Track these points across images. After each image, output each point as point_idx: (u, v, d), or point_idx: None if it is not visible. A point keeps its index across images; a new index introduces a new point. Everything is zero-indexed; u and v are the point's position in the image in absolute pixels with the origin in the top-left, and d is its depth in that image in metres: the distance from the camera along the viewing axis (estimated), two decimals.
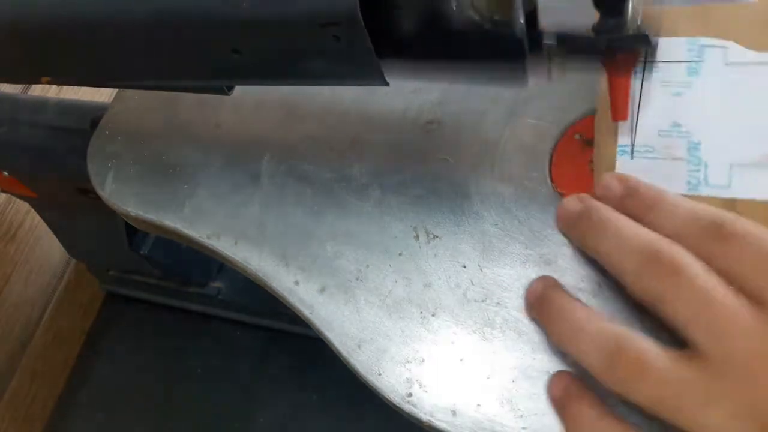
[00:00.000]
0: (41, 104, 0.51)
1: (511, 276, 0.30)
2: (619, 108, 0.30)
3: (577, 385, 0.27)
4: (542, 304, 0.29)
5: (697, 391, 0.23)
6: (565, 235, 0.30)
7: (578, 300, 0.28)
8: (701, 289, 0.23)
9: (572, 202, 0.30)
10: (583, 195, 0.30)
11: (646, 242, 0.25)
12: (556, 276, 0.30)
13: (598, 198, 0.29)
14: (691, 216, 0.26)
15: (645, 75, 0.30)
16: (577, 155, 0.33)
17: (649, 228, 0.26)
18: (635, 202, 0.28)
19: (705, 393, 0.23)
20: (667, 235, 0.25)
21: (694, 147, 0.30)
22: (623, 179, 0.29)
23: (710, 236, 0.25)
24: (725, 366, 0.23)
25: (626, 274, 0.26)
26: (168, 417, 0.77)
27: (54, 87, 0.69)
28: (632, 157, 0.31)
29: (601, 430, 0.25)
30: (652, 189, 0.28)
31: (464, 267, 0.31)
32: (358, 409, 0.71)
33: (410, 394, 0.29)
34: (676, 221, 0.26)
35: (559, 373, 0.28)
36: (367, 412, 0.70)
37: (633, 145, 0.31)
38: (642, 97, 0.31)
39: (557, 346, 0.28)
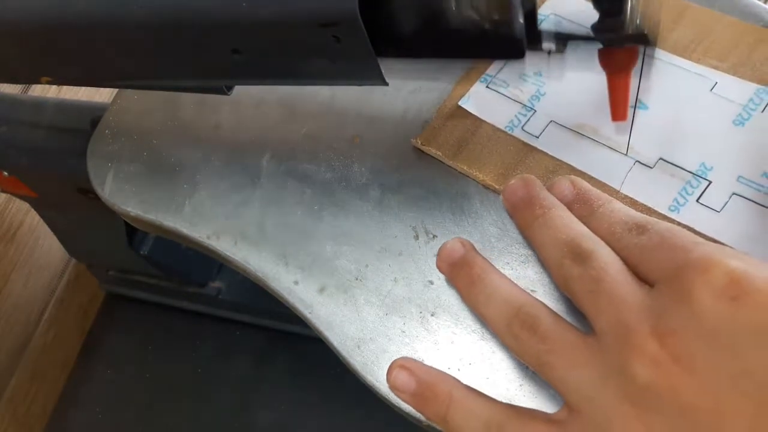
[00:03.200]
0: (41, 104, 0.51)
1: (511, 276, 0.30)
2: (619, 108, 0.30)
3: (432, 370, 0.28)
4: (462, 267, 0.30)
5: (574, 353, 0.25)
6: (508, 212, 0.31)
7: (492, 265, 0.29)
8: (601, 271, 0.25)
9: (517, 186, 0.30)
10: (528, 177, 0.30)
11: (573, 234, 0.27)
12: None
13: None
14: (623, 218, 0.27)
15: (643, 74, 0.30)
16: None
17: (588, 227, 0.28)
18: (583, 205, 0.29)
19: (580, 355, 0.24)
20: (601, 235, 0.27)
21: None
22: (576, 183, 0.30)
23: (632, 233, 0.26)
24: (605, 337, 0.24)
25: (552, 264, 0.28)
26: (168, 417, 0.77)
27: (54, 87, 0.69)
28: (627, 153, 0.31)
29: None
30: (601, 196, 0.29)
31: None
32: (358, 409, 0.71)
33: None
34: (611, 221, 0.27)
35: (402, 360, 0.29)
36: (367, 412, 0.70)
37: (629, 145, 0.31)
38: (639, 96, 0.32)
39: (470, 307, 0.29)
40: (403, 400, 0.28)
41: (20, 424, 0.78)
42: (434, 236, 0.32)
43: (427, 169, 0.34)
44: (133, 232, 0.64)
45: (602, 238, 0.27)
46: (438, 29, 0.24)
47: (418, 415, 0.28)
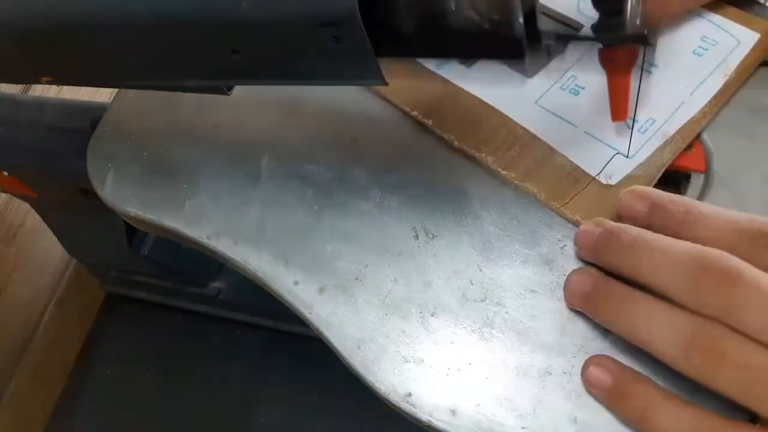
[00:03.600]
0: (41, 104, 0.51)
1: (511, 276, 0.30)
2: (619, 108, 0.30)
3: (628, 369, 0.26)
4: (598, 297, 0.27)
5: None
6: (589, 263, 0.29)
7: (630, 287, 0.27)
8: (766, 293, 0.23)
9: (591, 227, 0.28)
10: (601, 219, 0.28)
11: (692, 253, 0.24)
12: (555, 276, 0.30)
13: (621, 219, 0.28)
14: (733, 227, 0.25)
15: (643, 75, 0.30)
16: None
17: (696, 241, 0.25)
18: (665, 218, 0.26)
19: None
20: (717, 248, 0.24)
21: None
22: (645, 195, 0.27)
23: (762, 247, 0.24)
24: None
25: (677, 290, 0.25)
26: (168, 417, 0.77)
27: (54, 87, 0.69)
28: (629, 156, 0.31)
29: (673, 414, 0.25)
30: (680, 201, 0.27)
31: (464, 267, 0.31)
32: (357, 409, 0.71)
33: (410, 394, 0.29)
34: (718, 234, 0.25)
35: (598, 358, 0.27)
36: (367, 412, 0.70)
37: (630, 145, 0.31)
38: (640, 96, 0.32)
39: (627, 338, 0.26)
40: (596, 397, 0.27)
41: (20, 424, 0.78)
42: (434, 236, 0.32)
43: (427, 169, 0.34)
44: (133, 232, 0.64)
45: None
46: (438, 29, 0.24)
47: (417, 415, 0.28)
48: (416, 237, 0.32)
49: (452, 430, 0.28)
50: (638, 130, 0.31)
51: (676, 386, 0.26)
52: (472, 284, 0.31)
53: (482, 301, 0.30)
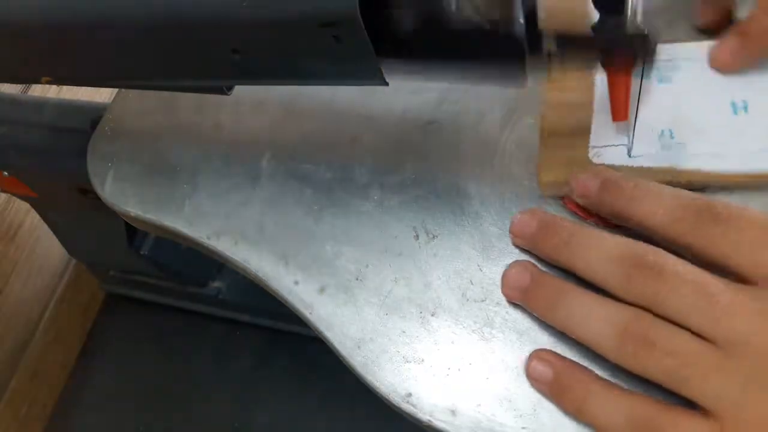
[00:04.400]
0: (41, 104, 0.51)
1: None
2: (619, 108, 0.30)
3: (569, 362, 0.27)
4: (537, 290, 0.28)
5: (706, 362, 0.24)
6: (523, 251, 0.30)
7: (568, 282, 0.28)
8: (692, 282, 0.25)
9: (527, 218, 0.30)
10: (535, 209, 0.30)
11: (622, 248, 0.26)
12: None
13: (579, 197, 0.29)
14: (678, 202, 0.26)
15: (644, 74, 0.30)
16: None
17: (636, 220, 0.27)
18: (615, 193, 0.28)
19: (712, 363, 0.24)
20: (660, 224, 0.26)
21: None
22: (598, 173, 0.29)
23: (706, 220, 0.25)
24: (731, 347, 0.24)
25: (610, 283, 0.26)
26: (168, 417, 0.77)
27: (54, 87, 0.69)
28: (631, 156, 0.31)
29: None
30: (630, 177, 0.28)
31: (464, 267, 0.31)
32: (358, 409, 0.71)
33: (410, 394, 0.29)
34: (665, 208, 0.26)
35: (539, 352, 0.28)
36: (367, 413, 0.70)
37: (631, 145, 0.31)
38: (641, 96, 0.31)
39: (564, 330, 0.27)
40: (539, 390, 0.27)
41: (20, 424, 0.78)
42: (434, 236, 0.32)
43: (427, 169, 0.34)
44: (133, 232, 0.64)
45: (666, 227, 0.26)
46: (438, 29, 0.24)
47: (417, 415, 0.28)
48: (416, 237, 0.32)
49: (452, 430, 0.28)
50: (664, 144, 0.31)
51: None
52: (472, 284, 0.31)
53: (482, 301, 0.30)
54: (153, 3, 0.26)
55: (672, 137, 0.31)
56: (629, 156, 0.31)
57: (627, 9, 0.25)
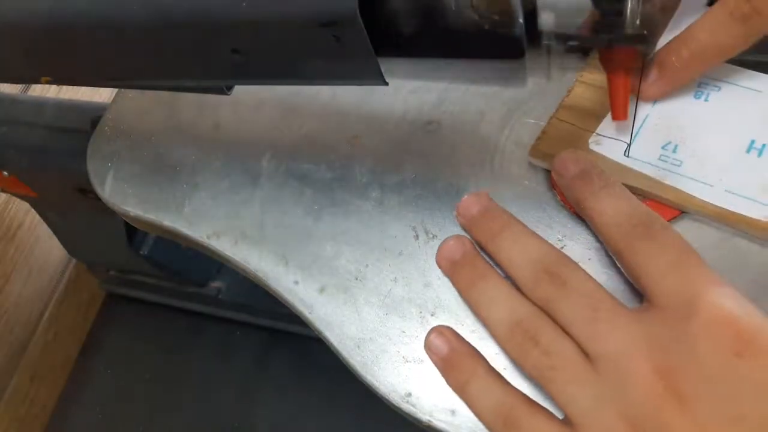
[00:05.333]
0: (41, 104, 0.51)
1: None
2: (619, 108, 0.30)
3: (465, 344, 0.29)
4: (463, 267, 0.30)
5: (575, 370, 0.25)
6: (464, 229, 0.32)
7: (493, 267, 0.30)
8: (585, 296, 0.26)
9: (473, 201, 0.31)
10: (483, 194, 0.31)
11: (541, 254, 0.28)
12: None
13: (555, 174, 0.30)
14: (627, 211, 0.27)
15: (643, 74, 0.30)
16: None
17: (588, 214, 0.28)
18: (585, 185, 0.29)
19: (581, 372, 0.25)
20: (603, 224, 0.28)
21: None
22: (580, 160, 0.29)
23: (638, 234, 0.26)
24: (604, 361, 0.25)
25: (522, 280, 0.28)
26: (168, 417, 0.77)
27: (54, 87, 0.69)
28: (629, 155, 0.31)
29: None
30: (606, 176, 0.29)
31: None
32: (358, 409, 0.71)
33: (409, 394, 0.29)
34: (614, 212, 0.27)
35: (440, 328, 0.30)
36: (366, 413, 0.70)
37: (630, 144, 0.31)
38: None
39: (470, 307, 0.30)
40: (433, 362, 0.29)
41: (20, 424, 0.78)
42: (434, 236, 0.32)
43: (427, 169, 0.34)
44: (133, 232, 0.64)
45: (602, 228, 0.28)
46: (438, 29, 0.24)
47: (417, 415, 0.28)
48: (416, 237, 0.32)
49: (452, 430, 0.28)
50: (663, 155, 0.31)
51: None
52: None
53: None
54: (153, 3, 0.26)
55: (674, 151, 0.30)
56: (625, 155, 0.31)
57: (626, 9, 0.25)
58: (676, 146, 0.31)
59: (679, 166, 0.30)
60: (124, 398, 0.79)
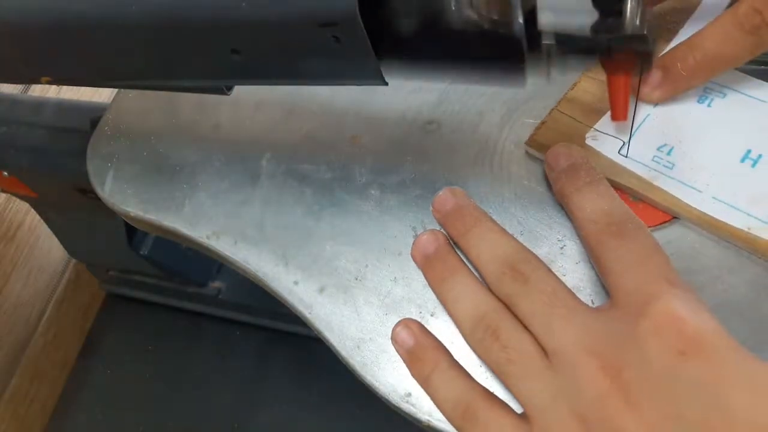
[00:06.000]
0: (41, 104, 0.51)
1: None
2: (619, 108, 0.30)
3: (430, 337, 0.29)
4: (435, 261, 0.30)
5: (531, 365, 0.26)
6: (439, 224, 0.32)
7: (464, 262, 0.30)
8: (546, 293, 0.27)
9: (448, 196, 0.32)
10: (457, 190, 0.32)
11: (507, 252, 0.29)
12: None
13: (546, 165, 0.31)
14: (605, 211, 0.28)
15: (646, 77, 0.30)
16: None
17: (569, 208, 0.29)
18: (571, 180, 0.29)
19: (536, 368, 0.26)
20: (580, 219, 0.28)
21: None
22: (571, 155, 0.30)
23: (612, 232, 0.27)
24: (558, 356, 0.25)
25: (488, 275, 0.29)
26: (168, 417, 0.77)
27: (54, 87, 0.69)
28: (627, 155, 0.31)
29: None
30: (593, 173, 0.29)
31: None
32: (357, 409, 0.71)
33: (409, 394, 0.29)
34: (591, 210, 0.28)
35: (407, 321, 0.30)
36: (366, 413, 0.70)
37: (629, 144, 0.31)
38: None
39: (442, 303, 0.30)
40: (399, 355, 0.30)
41: (20, 424, 0.78)
42: None
43: (426, 169, 0.34)
44: (133, 232, 0.64)
45: (579, 222, 0.28)
46: (438, 29, 0.24)
47: (417, 415, 0.28)
48: (416, 237, 0.32)
49: (452, 430, 0.28)
50: (656, 157, 0.31)
51: None
52: None
53: None
54: (153, 3, 0.26)
55: (668, 154, 0.30)
56: (619, 152, 0.31)
57: (626, 10, 0.25)
58: (671, 149, 0.30)
59: (671, 168, 0.30)
60: (124, 398, 0.79)
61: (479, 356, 0.28)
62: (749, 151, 0.30)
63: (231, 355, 0.78)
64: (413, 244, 0.32)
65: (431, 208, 0.32)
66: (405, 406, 0.29)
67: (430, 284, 0.31)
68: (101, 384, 0.81)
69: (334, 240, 0.33)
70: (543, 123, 0.33)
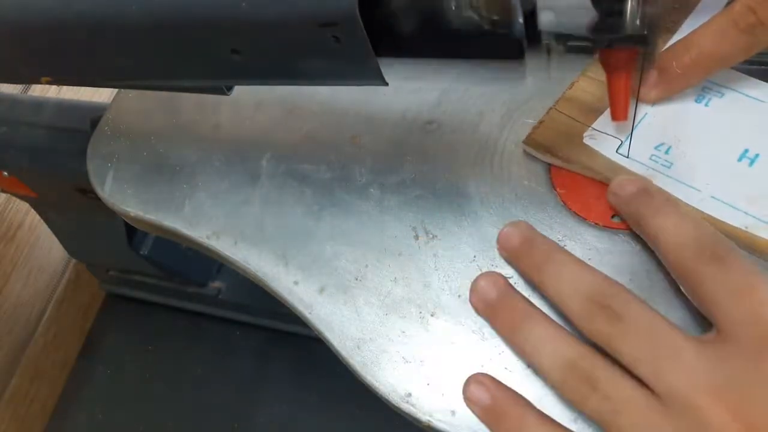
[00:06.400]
0: (41, 104, 0.51)
1: (510, 276, 0.30)
2: (619, 108, 0.30)
3: (507, 390, 0.27)
4: (501, 309, 0.29)
5: (640, 415, 0.24)
6: (507, 261, 0.30)
7: (535, 306, 0.28)
8: (646, 331, 0.25)
9: (513, 231, 0.30)
10: (520, 223, 0.30)
11: (593, 286, 0.26)
12: None
13: (611, 194, 0.29)
14: (692, 233, 0.26)
15: (643, 75, 0.30)
16: None
17: (652, 233, 0.27)
18: (645, 204, 0.28)
19: (648, 418, 0.24)
20: (666, 244, 0.26)
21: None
22: (637, 182, 0.29)
23: (707, 258, 0.25)
24: (671, 401, 0.24)
25: (572, 314, 0.27)
26: (168, 417, 0.77)
27: (54, 87, 0.69)
28: (628, 156, 0.31)
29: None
30: (666, 193, 0.28)
31: (464, 267, 0.31)
32: (357, 409, 0.71)
33: (409, 394, 0.29)
34: (676, 234, 0.26)
35: (478, 376, 0.28)
36: (366, 413, 0.70)
37: (629, 144, 0.31)
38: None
39: (518, 353, 0.28)
40: (475, 414, 0.28)
41: (20, 424, 0.78)
42: (434, 236, 0.32)
43: (426, 169, 0.34)
44: (133, 232, 0.64)
45: (665, 247, 0.26)
46: (438, 29, 0.24)
47: (417, 415, 0.28)
48: (416, 237, 0.32)
49: (452, 430, 0.28)
50: (654, 155, 0.31)
51: None
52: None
53: None
54: (153, 3, 0.26)
55: (667, 153, 0.30)
56: (617, 152, 0.31)
57: (626, 9, 0.25)
58: (669, 148, 0.31)
59: (669, 167, 0.30)
60: (124, 398, 0.79)
61: (575, 405, 0.26)
62: (747, 151, 0.30)
63: (231, 355, 0.78)
64: (470, 290, 0.29)
65: (496, 245, 0.30)
66: (405, 407, 0.29)
67: (499, 334, 0.29)
68: (101, 384, 0.81)
69: (334, 240, 0.33)
70: (541, 122, 0.33)
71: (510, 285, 0.29)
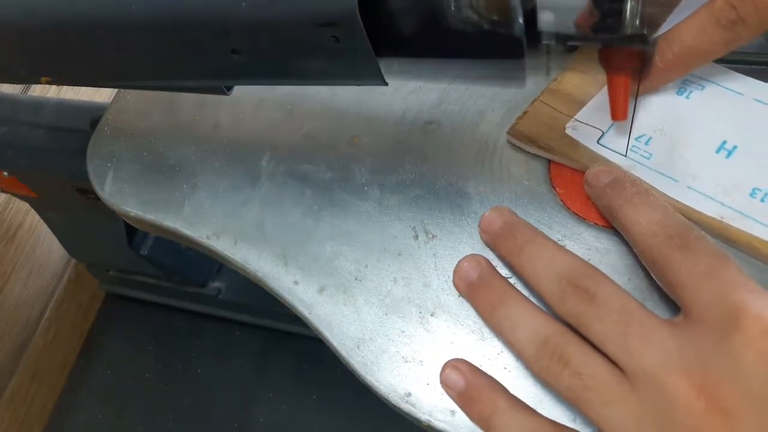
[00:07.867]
0: (41, 104, 0.51)
1: (510, 276, 0.30)
2: (619, 108, 0.30)
3: (482, 375, 0.28)
4: (481, 288, 0.29)
5: (609, 390, 0.25)
6: (488, 246, 0.31)
7: (513, 286, 0.29)
8: (617, 311, 0.25)
9: (494, 216, 0.30)
10: (505, 209, 0.31)
11: (567, 268, 0.27)
12: None
13: (586, 185, 0.30)
14: (660, 221, 0.27)
15: (643, 75, 0.30)
16: None
17: (622, 222, 0.28)
18: (618, 194, 0.28)
19: (616, 393, 0.24)
20: (637, 233, 0.27)
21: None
22: (611, 171, 0.29)
23: (675, 246, 0.26)
24: (639, 380, 0.24)
25: (548, 295, 0.27)
26: (168, 417, 0.77)
27: (54, 87, 0.69)
28: (626, 155, 0.31)
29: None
30: (639, 183, 0.28)
31: None
32: (357, 409, 0.71)
33: (409, 394, 0.29)
34: (647, 222, 0.27)
35: (454, 362, 0.29)
36: (366, 412, 0.70)
37: (628, 144, 0.31)
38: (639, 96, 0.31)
39: (492, 330, 0.29)
40: (451, 398, 0.28)
41: (20, 424, 0.78)
42: (434, 236, 0.32)
43: (426, 169, 0.34)
44: (133, 232, 0.64)
45: (637, 237, 0.27)
46: (437, 29, 0.24)
47: (417, 415, 0.28)
48: (416, 237, 0.32)
49: (452, 430, 0.28)
50: (633, 146, 0.31)
51: None
52: None
53: None
54: (153, 3, 0.26)
55: (646, 144, 0.31)
56: (597, 142, 0.31)
57: (626, 9, 0.25)
58: (649, 139, 0.31)
59: (648, 158, 0.30)
60: (124, 398, 0.79)
61: (547, 384, 0.27)
62: (725, 142, 0.30)
63: (231, 355, 0.79)
64: (454, 272, 0.30)
65: (478, 230, 0.31)
66: (405, 406, 0.29)
67: (479, 314, 0.29)
68: (101, 384, 0.81)
69: (334, 240, 0.33)
70: (525, 113, 0.33)
71: (492, 266, 0.30)
